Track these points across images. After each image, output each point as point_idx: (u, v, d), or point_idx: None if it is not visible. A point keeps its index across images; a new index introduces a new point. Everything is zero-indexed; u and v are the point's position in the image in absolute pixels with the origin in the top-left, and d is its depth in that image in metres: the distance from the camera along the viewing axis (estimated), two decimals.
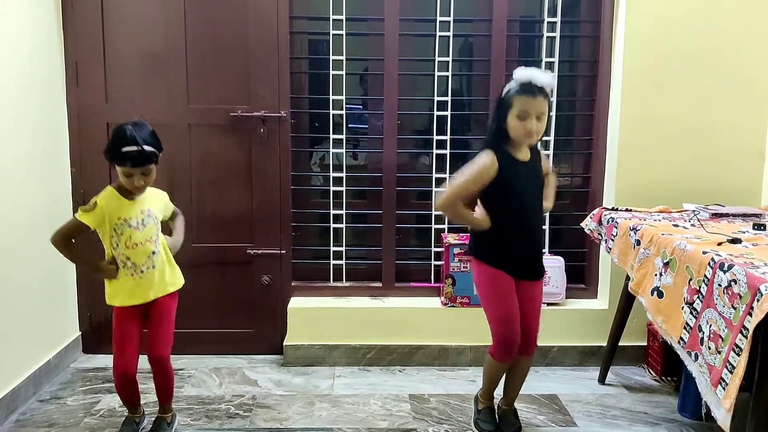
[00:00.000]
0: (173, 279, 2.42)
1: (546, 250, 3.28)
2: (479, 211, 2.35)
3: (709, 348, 1.89)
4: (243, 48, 3.08)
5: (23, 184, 2.73)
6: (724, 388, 1.76)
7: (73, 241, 2.29)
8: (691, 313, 2.03)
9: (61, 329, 3.10)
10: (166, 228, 2.49)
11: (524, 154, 2.33)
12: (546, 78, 2.22)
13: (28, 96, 2.78)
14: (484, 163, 2.26)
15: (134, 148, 2.16)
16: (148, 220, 2.31)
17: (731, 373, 1.75)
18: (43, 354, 2.91)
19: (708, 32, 3.01)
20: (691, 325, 2.02)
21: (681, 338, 2.08)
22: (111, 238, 2.27)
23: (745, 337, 1.71)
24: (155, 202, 2.37)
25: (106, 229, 2.26)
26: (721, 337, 1.84)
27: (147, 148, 2.18)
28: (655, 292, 2.27)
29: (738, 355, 1.74)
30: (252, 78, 3.10)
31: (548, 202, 2.48)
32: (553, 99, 3.17)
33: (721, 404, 1.77)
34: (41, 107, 2.89)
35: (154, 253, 2.32)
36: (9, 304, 2.64)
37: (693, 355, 1.99)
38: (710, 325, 1.91)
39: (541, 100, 2.21)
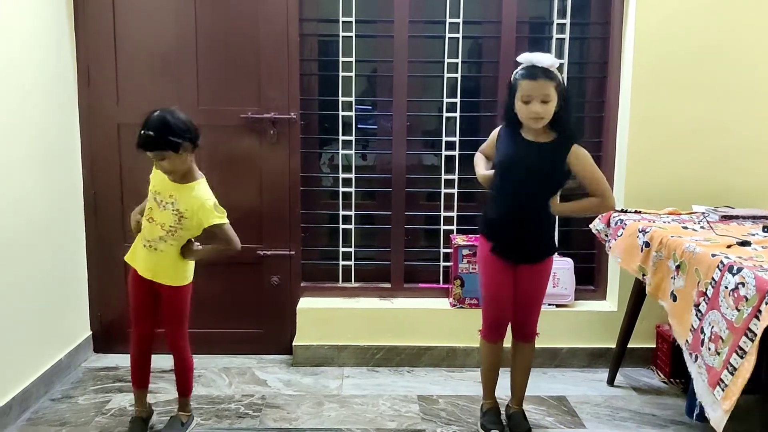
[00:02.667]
0: (172, 274, 2.40)
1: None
2: (485, 171, 2.47)
3: (709, 349, 1.89)
4: (253, 50, 3.10)
5: (35, 185, 2.76)
6: (723, 389, 1.76)
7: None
8: (696, 315, 2.03)
9: (73, 329, 3.12)
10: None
11: (542, 137, 2.32)
12: (547, 59, 2.22)
13: (40, 97, 2.80)
14: (492, 133, 2.48)
15: (141, 131, 2.23)
16: (168, 206, 2.32)
17: (732, 374, 1.74)
18: (55, 353, 2.94)
19: (718, 32, 3.00)
20: (695, 327, 2.02)
21: (687, 340, 2.08)
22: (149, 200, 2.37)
23: (752, 340, 1.71)
24: (190, 200, 2.32)
25: (150, 188, 2.38)
26: (721, 338, 1.84)
27: (153, 134, 2.21)
28: (672, 296, 2.27)
29: (741, 357, 1.73)
30: (262, 80, 3.12)
31: (559, 206, 2.41)
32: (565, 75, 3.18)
33: (720, 405, 1.76)
34: (53, 108, 2.92)
35: (161, 239, 2.34)
36: (21, 304, 2.66)
37: (693, 356, 1.99)
38: (712, 327, 1.91)
39: (544, 83, 2.21)
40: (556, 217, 2.38)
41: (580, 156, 2.31)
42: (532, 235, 2.41)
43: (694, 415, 2.62)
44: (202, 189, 2.35)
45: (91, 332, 3.25)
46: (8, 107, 2.56)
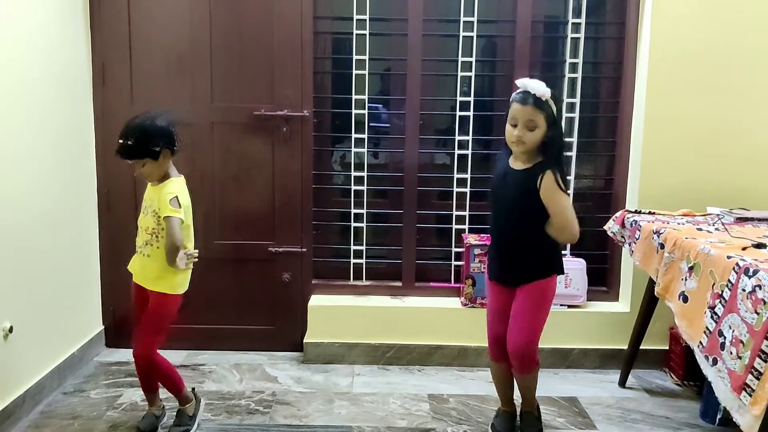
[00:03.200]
0: (157, 280, 2.37)
1: (567, 252, 3.27)
2: None
3: (731, 353, 1.87)
4: (267, 48, 3.10)
5: (49, 183, 2.78)
6: (749, 394, 1.75)
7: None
8: (711, 317, 2.01)
9: (85, 323, 3.14)
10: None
11: (518, 164, 2.32)
12: (539, 88, 2.20)
13: (56, 96, 2.82)
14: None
15: (121, 140, 2.25)
16: (149, 210, 2.35)
17: (758, 379, 1.73)
18: (68, 347, 2.96)
19: (734, 32, 2.97)
20: (711, 330, 2.00)
21: (701, 342, 2.06)
22: None
23: None
24: (160, 199, 2.31)
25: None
26: (742, 342, 1.83)
27: (132, 143, 2.23)
28: (681, 297, 2.25)
29: (765, 361, 1.72)
30: (276, 77, 3.12)
31: (551, 228, 2.30)
32: (576, 100, 3.17)
33: (748, 410, 1.75)
34: (68, 107, 2.93)
35: (147, 243, 2.36)
36: (36, 299, 2.68)
37: (711, 359, 1.97)
38: (733, 330, 1.89)
39: (531, 109, 2.20)
40: (553, 241, 2.33)
41: (544, 185, 2.23)
42: (516, 258, 2.38)
43: (717, 419, 2.60)
44: (170, 185, 2.34)
45: (104, 327, 3.28)
46: (24, 105, 2.58)
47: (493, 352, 2.49)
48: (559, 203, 2.23)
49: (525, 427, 2.52)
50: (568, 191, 2.41)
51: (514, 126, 2.24)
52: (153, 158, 2.27)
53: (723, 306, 1.96)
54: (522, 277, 2.36)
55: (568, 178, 3.20)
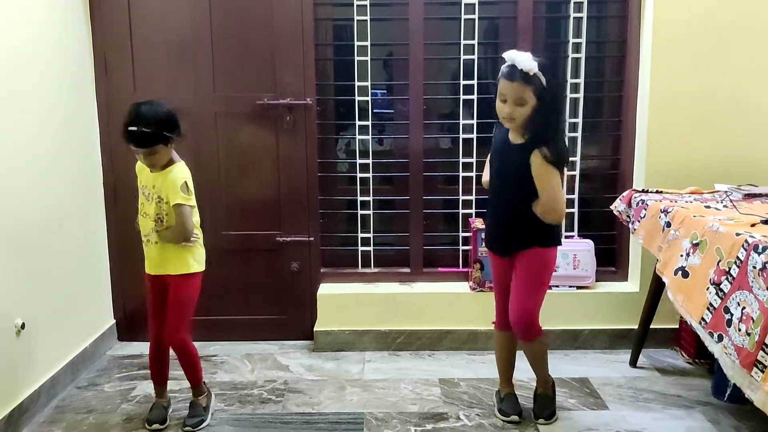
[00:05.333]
0: (175, 262, 2.38)
1: (575, 233, 3.26)
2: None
3: (739, 330, 1.86)
4: (268, 36, 3.09)
5: (56, 175, 2.78)
6: (761, 370, 1.74)
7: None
8: (717, 294, 2.00)
9: (97, 318, 3.16)
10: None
11: (515, 137, 2.30)
12: (525, 62, 2.14)
13: (59, 88, 2.82)
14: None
15: (134, 128, 2.20)
16: (153, 197, 2.34)
17: None
18: (80, 342, 2.98)
19: (738, 9, 2.94)
20: (715, 306, 1.99)
21: (703, 318, 2.05)
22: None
23: None
24: (166, 183, 2.31)
25: (138, 184, 2.42)
26: (752, 318, 1.82)
27: (146, 129, 2.20)
28: (680, 272, 2.24)
29: None
30: (277, 65, 3.11)
31: (537, 207, 2.29)
32: (581, 80, 3.15)
33: (760, 386, 1.74)
34: (72, 99, 2.93)
35: (153, 230, 2.36)
36: (46, 294, 2.70)
37: (716, 336, 1.97)
38: (743, 308, 1.88)
39: (519, 86, 2.16)
40: None
41: (533, 164, 2.22)
42: (511, 227, 2.38)
43: (726, 396, 2.60)
44: (177, 170, 2.34)
45: (115, 321, 3.29)
46: (27, 99, 2.57)
47: (499, 321, 2.54)
48: (547, 182, 2.22)
49: (539, 409, 2.53)
50: (567, 166, 2.41)
51: (504, 102, 2.22)
52: (165, 144, 2.27)
53: (730, 283, 1.95)
54: (515, 246, 2.38)
55: (572, 158, 3.19)
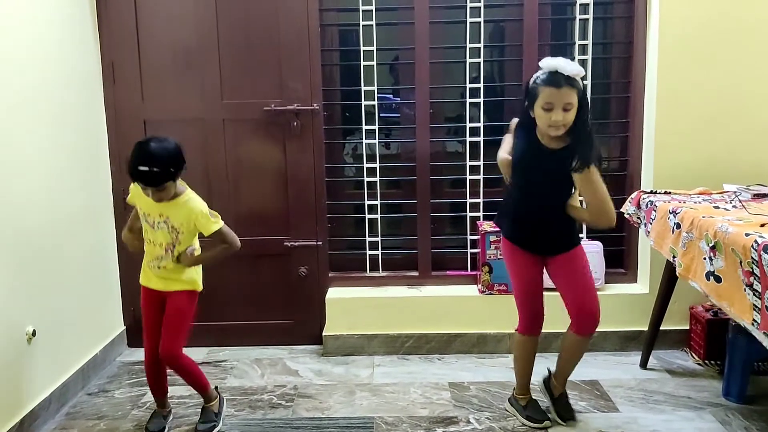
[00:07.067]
0: (186, 278, 2.42)
1: (584, 235, 3.25)
2: (507, 154, 2.43)
3: None
4: (274, 42, 3.10)
5: (65, 183, 2.80)
6: None
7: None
8: (754, 294, 1.97)
9: (106, 324, 3.17)
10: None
11: (554, 142, 2.27)
12: (573, 68, 2.16)
13: (67, 96, 2.84)
14: (511, 123, 2.48)
15: (145, 168, 2.19)
16: (162, 226, 2.34)
17: None
18: (90, 349, 2.99)
19: (745, 7, 2.93)
20: (759, 306, 1.96)
21: (754, 320, 2.01)
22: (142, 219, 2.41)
23: None
24: (184, 214, 2.34)
25: (138, 211, 2.42)
26: None
27: (157, 169, 2.20)
28: (711, 277, 2.21)
29: None
30: (284, 72, 3.12)
31: (569, 207, 2.36)
32: (588, 82, 3.14)
33: None
34: (80, 107, 2.95)
35: (162, 257, 2.37)
36: (57, 302, 2.71)
37: None
38: None
39: (567, 91, 2.15)
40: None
41: (587, 178, 2.23)
42: (556, 229, 2.39)
43: (737, 396, 2.59)
44: (193, 200, 2.36)
45: (125, 327, 3.31)
46: (36, 107, 2.59)
47: (531, 327, 2.47)
48: (599, 189, 2.23)
49: (565, 410, 2.53)
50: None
51: (549, 110, 2.18)
52: (174, 180, 2.28)
53: (759, 282, 1.93)
54: (564, 246, 2.39)
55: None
